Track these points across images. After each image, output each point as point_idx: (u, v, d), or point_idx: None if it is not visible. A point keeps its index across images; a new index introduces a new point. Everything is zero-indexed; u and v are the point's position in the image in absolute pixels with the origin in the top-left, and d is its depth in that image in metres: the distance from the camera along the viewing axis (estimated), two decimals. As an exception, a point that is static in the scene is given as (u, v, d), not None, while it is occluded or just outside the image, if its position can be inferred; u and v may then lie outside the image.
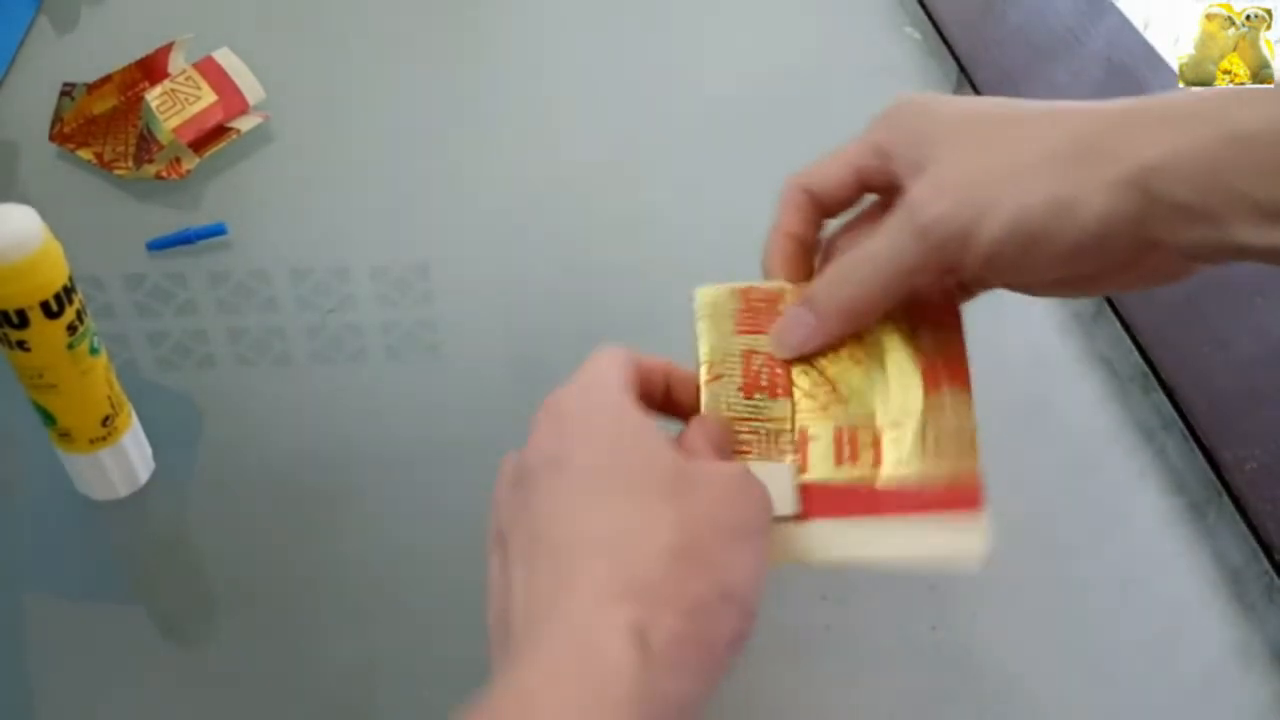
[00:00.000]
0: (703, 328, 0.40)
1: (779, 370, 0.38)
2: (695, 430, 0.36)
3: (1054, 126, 0.35)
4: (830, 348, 0.38)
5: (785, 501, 0.36)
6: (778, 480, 0.36)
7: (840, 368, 0.38)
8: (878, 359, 0.38)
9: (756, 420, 0.37)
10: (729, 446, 0.37)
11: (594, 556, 0.31)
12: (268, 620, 0.48)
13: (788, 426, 0.37)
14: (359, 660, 0.46)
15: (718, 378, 0.38)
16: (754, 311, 0.40)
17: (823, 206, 0.42)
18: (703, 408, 0.38)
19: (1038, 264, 0.35)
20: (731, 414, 0.37)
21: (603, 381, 0.37)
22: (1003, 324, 0.65)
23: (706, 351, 0.39)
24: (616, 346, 0.38)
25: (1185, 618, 0.50)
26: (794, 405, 0.38)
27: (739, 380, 0.38)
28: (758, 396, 0.38)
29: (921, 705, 0.46)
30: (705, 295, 0.41)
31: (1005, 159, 0.35)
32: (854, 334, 0.38)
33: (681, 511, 0.32)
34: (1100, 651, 0.48)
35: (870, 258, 0.37)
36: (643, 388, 0.38)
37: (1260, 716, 0.47)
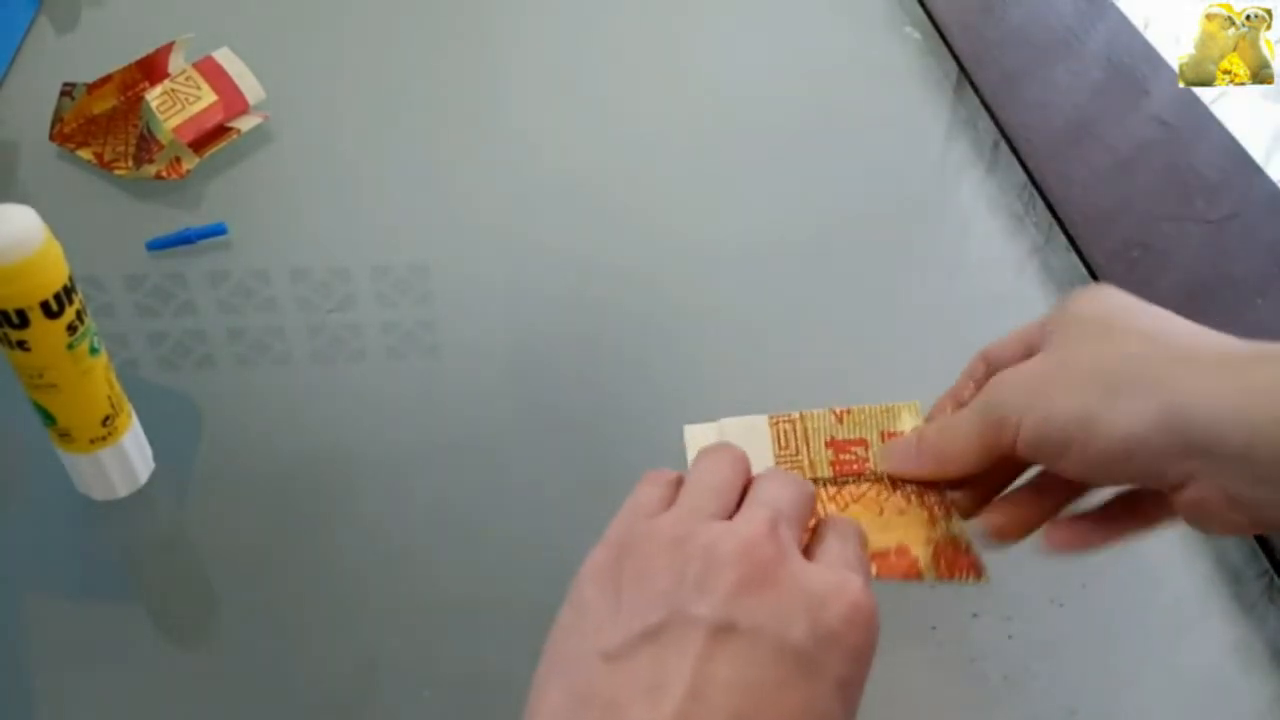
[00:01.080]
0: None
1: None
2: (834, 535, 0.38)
3: (1117, 346, 0.38)
4: (889, 487, 0.44)
5: None
6: None
7: (862, 508, 0.43)
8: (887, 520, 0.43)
9: None
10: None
11: None
12: (267, 620, 0.48)
13: None
14: (359, 660, 0.46)
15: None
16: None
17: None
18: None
19: (1076, 466, 0.38)
20: None
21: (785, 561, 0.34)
22: (1005, 326, 0.65)
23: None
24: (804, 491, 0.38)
25: (1185, 618, 0.50)
26: None
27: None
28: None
29: (922, 705, 0.46)
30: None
31: (1067, 365, 0.38)
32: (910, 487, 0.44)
33: (846, 709, 0.33)
34: (1100, 651, 0.48)
35: (957, 422, 0.42)
36: None
37: (1260, 716, 0.47)
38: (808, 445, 0.45)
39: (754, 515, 0.35)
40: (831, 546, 0.36)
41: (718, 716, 0.30)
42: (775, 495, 0.36)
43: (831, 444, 0.44)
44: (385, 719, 0.45)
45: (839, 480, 0.43)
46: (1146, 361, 0.37)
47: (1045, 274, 0.68)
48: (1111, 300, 0.41)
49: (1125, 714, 0.47)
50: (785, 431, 0.45)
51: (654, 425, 0.56)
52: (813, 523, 0.38)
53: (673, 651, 0.31)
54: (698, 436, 0.44)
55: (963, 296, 0.67)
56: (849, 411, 0.45)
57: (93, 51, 0.76)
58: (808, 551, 0.36)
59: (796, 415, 0.45)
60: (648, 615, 0.32)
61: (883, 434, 0.45)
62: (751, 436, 0.44)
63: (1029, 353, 0.41)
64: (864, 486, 0.43)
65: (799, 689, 0.31)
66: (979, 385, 0.43)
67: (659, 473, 0.39)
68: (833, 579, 0.33)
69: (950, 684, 0.47)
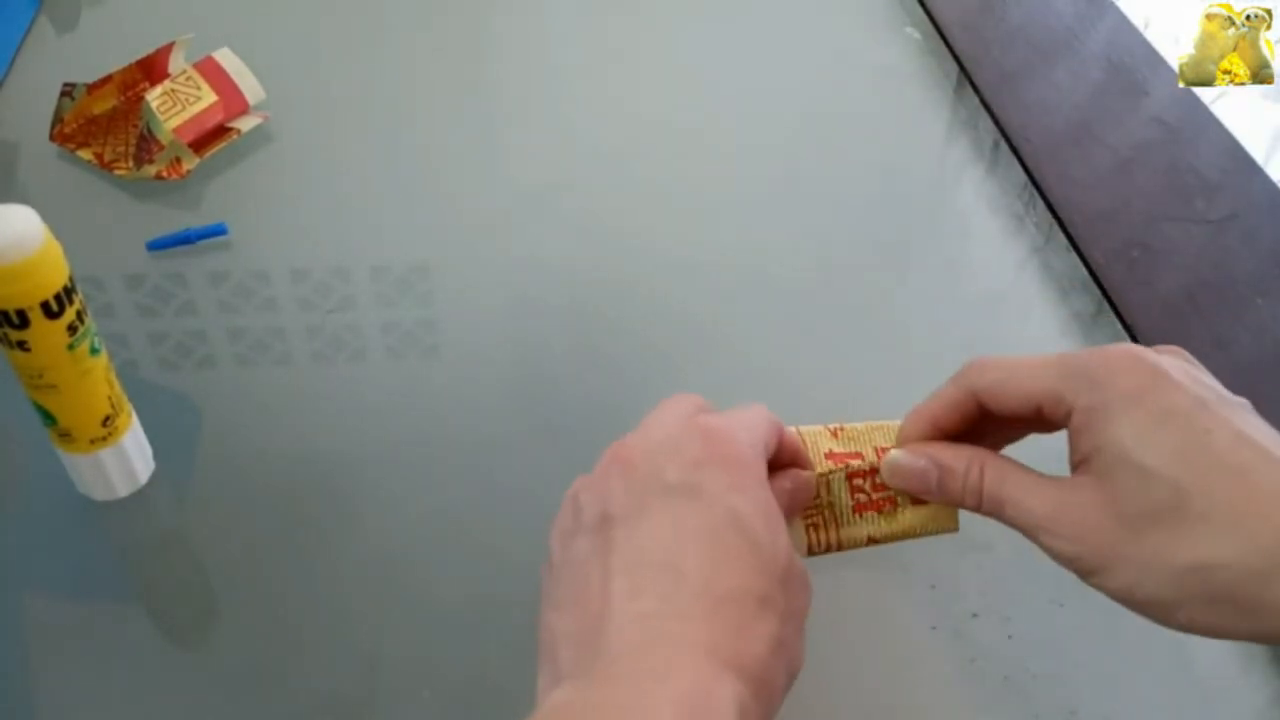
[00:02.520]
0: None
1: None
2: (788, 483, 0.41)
3: (1193, 541, 0.34)
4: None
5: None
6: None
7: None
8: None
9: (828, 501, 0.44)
10: (800, 507, 0.42)
11: (714, 615, 0.32)
12: (267, 620, 0.48)
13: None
14: (359, 660, 0.46)
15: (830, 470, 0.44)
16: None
17: None
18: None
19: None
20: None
21: (753, 438, 0.39)
22: (1004, 326, 0.65)
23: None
24: (766, 412, 0.41)
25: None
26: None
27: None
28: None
29: (922, 705, 0.46)
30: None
31: (1122, 547, 0.35)
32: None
33: (787, 602, 0.35)
34: (1100, 651, 0.48)
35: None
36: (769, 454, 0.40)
37: (1260, 716, 0.47)
38: (808, 456, 0.45)
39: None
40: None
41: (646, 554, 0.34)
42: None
43: (830, 456, 0.44)
44: (385, 718, 0.45)
45: (856, 471, 0.44)
46: (1231, 581, 0.33)
47: (1045, 274, 0.68)
48: (1175, 416, 0.35)
49: (1125, 714, 0.47)
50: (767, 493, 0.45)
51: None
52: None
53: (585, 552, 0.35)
54: None
55: (963, 296, 0.67)
56: (843, 428, 0.46)
57: (93, 51, 0.76)
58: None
59: (794, 430, 0.46)
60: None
61: (877, 450, 0.45)
62: None
63: (1034, 409, 0.38)
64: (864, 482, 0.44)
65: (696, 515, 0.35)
66: (965, 420, 0.41)
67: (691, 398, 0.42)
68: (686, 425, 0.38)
69: (950, 684, 0.47)
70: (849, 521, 0.43)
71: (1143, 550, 0.34)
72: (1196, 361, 0.38)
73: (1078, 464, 0.37)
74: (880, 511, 0.43)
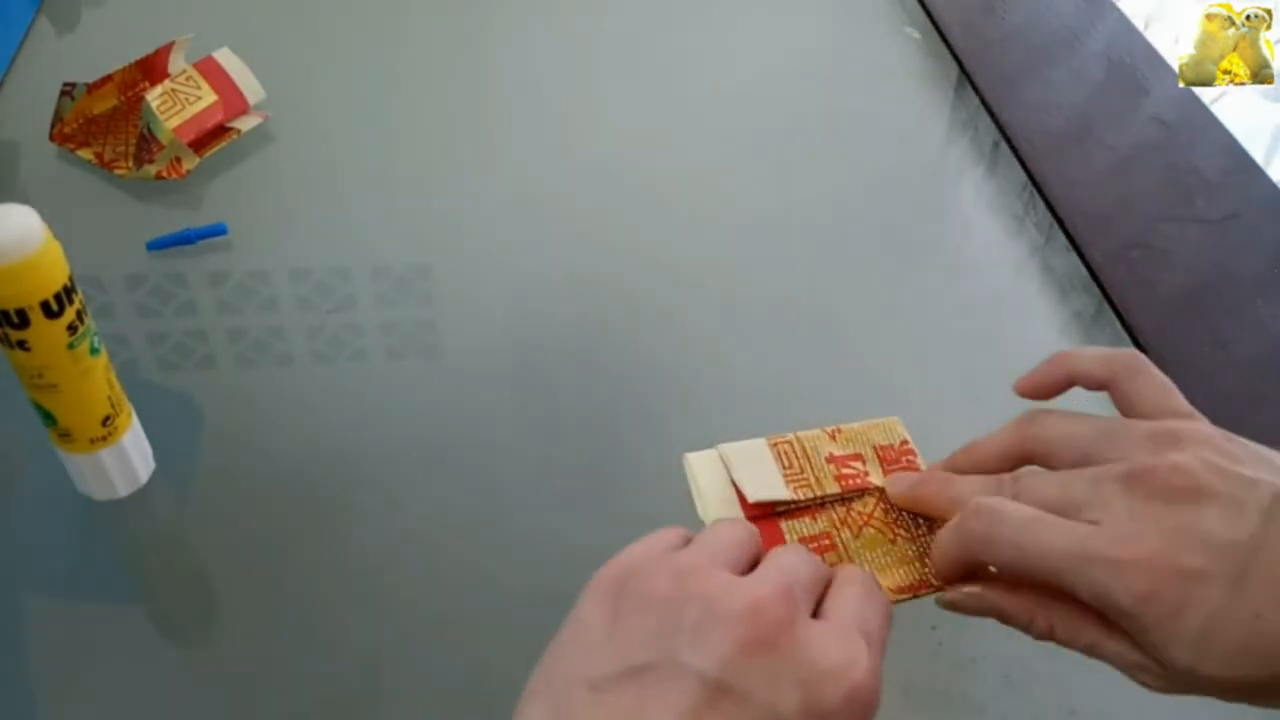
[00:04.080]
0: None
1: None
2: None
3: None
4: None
5: None
6: None
7: (876, 531, 0.44)
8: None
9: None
10: None
11: None
12: (268, 620, 0.48)
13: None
14: (358, 659, 0.46)
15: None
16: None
17: None
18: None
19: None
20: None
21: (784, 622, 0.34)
22: (1004, 326, 0.65)
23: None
24: (743, 529, 0.37)
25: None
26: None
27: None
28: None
29: (922, 705, 0.46)
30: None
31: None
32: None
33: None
34: (1100, 651, 0.48)
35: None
36: None
37: (1260, 716, 0.47)
38: (810, 463, 0.45)
39: (767, 576, 0.34)
40: (847, 606, 0.34)
41: None
42: (792, 564, 0.35)
43: (831, 460, 0.44)
44: (385, 719, 0.45)
45: (846, 497, 0.44)
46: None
47: (1045, 274, 0.68)
48: (1221, 620, 0.34)
49: (1125, 714, 0.47)
50: (785, 452, 0.45)
51: (654, 423, 0.56)
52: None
53: (657, 696, 0.31)
54: (699, 464, 0.44)
55: (963, 296, 0.67)
56: (840, 430, 0.46)
57: (93, 51, 0.76)
58: (820, 607, 0.35)
59: (792, 436, 0.46)
60: (639, 652, 0.32)
61: (875, 448, 0.45)
62: (754, 459, 0.44)
63: (1084, 461, 0.37)
64: (870, 504, 0.44)
65: None
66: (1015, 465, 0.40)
67: (680, 529, 0.38)
68: (838, 655, 0.32)
69: (950, 684, 0.47)
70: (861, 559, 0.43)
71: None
72: (1214, 436, 0.37)
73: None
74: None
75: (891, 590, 0.41)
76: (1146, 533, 0.35)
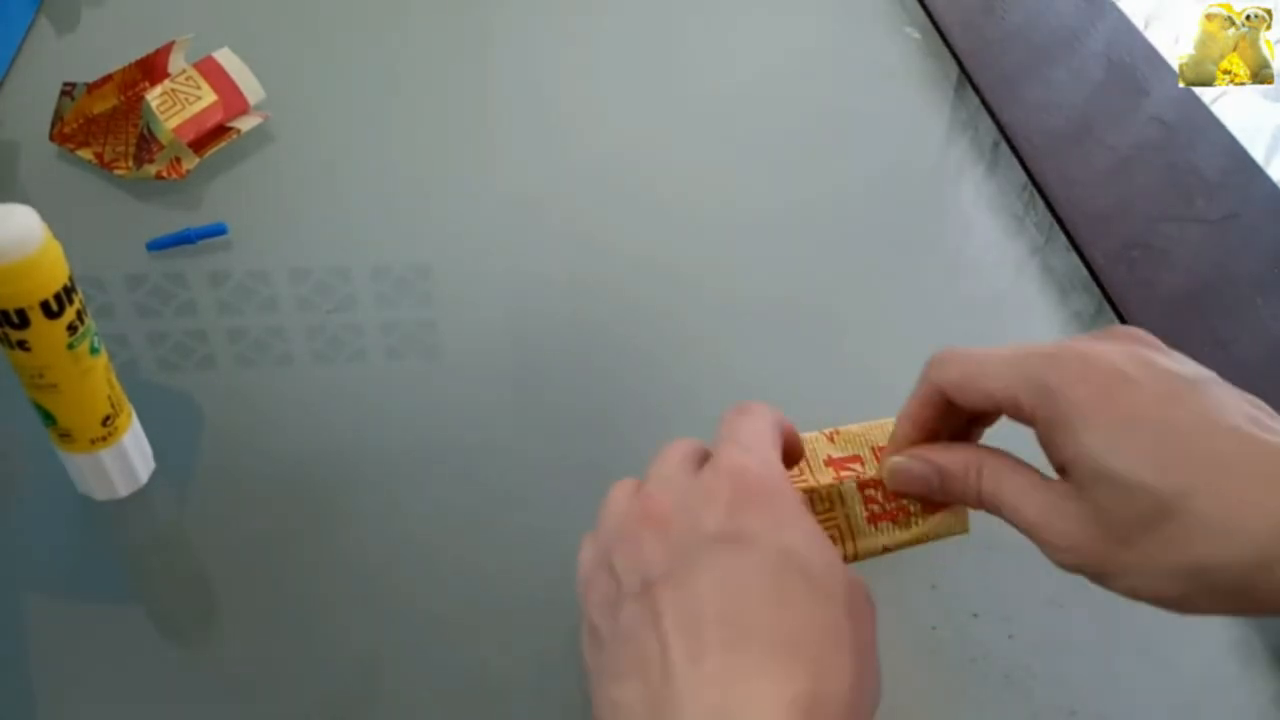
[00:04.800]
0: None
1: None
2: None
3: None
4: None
5: None
6: None
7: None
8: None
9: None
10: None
11: (788, 665, 0.31)
12: (268, 620, 0.48)
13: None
14: (359, 660, 0.46)
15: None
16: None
17: None
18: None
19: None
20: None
21: (770, 456, 0.38)
22: (1004, 326, 0.65)
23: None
24: (765, 406, 0.40)
25: (1185, 616, 0.50)
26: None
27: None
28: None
29: (922, 705, 0.46)
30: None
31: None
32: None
33: (855, 633, 0.33)
34: (1100, 651, 0.48)
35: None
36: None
37: (1260, 716, 0.47)
38: (809, 465, 0.45)
39: (650, 483, 0.38)
40: (734, 434, 0.38)
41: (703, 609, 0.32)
42: (672, 475, 0.38)
43: (830, 462, 0.44)
44: (385, 719, 0.45)
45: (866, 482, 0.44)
46: (1231, 578, 0.32)
47: (1045, 274, 0.68)
48: (1140, 420, 0.34)
49: (1125, 714, 0.47)
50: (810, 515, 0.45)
51: (654, 423, 0.56)
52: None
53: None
54: None
55: (963, 296, 0.67)
56: (838, 432, 0.46)
57: (93, 51, 0.76)
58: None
59: None
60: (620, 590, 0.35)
61: (873, 449, 0.45)
62: None
63: (995, 408, 0.38)
64: (879, 497, 0.44)
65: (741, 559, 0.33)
66: (941, 415, 0.40)
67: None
68: (727, 462, 0.36)
69: (950, 684, 0.47)
70: (865, 533, 0.43)
71: (1138, 557, 0.33)
72: (1150, 338, 0.37)
73: (1057, 469, 0.36)
74: (895, 521, 0.43)
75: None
76: (1089, 343, 0.36)
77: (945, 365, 0.39)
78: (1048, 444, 0.36)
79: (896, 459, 0.41)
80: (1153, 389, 0.34)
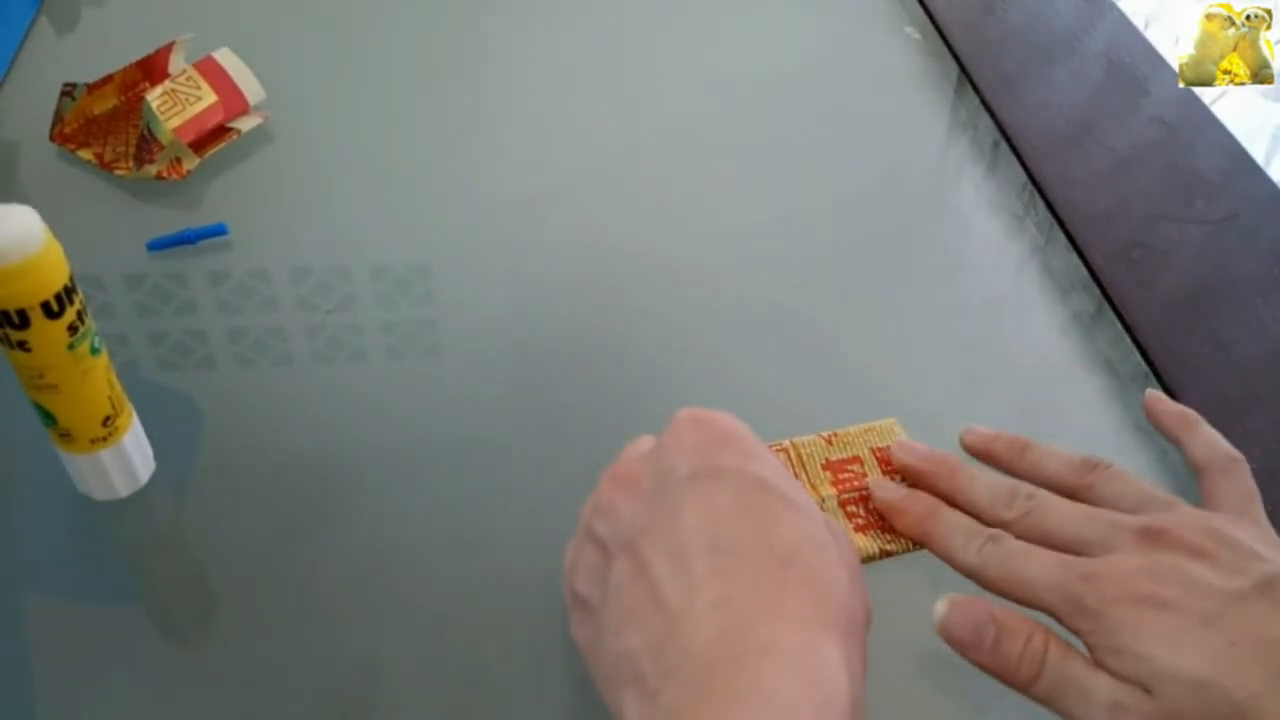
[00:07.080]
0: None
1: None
2: None
3: None
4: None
5: None
6: None
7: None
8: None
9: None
10: None
11: (784, 579, 0.32)
12: (268, 620, 0.48)
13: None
14: (359, 660, 0.46)
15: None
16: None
17: None
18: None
19: None
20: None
21: (738, 424, 0.38)
22: (1004, 326, 0.65)
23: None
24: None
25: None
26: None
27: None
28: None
29: (922, 705, 0.46)
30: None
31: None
32: None
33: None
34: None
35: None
36: None
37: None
38: (805, 470, 0.45)
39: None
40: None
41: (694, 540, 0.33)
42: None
43: (828, 466, 0.45)
44: (385, 719, 0.45)
45: (849, 499, 0.44)
46: None
47: (1045, 274, 0.68)
48: (1200, 627, 0.35)
49: (1125, 714, 0.47)
50: (781, 459, 0.45)
51: (653, 423, 0.56)
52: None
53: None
54: None
55: (962, 296, 0.67)
56: (836, 435, 0.46)
57: (93, 51, 0.76)
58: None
59: (788, 442, 0.46)
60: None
61: (873, 450, 0.45)
62: None
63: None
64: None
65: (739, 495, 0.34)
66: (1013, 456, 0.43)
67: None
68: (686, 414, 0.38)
69: (950, 684, 0.47)
70: (853, 542, 0.43)
71: None
72: (1194, 539, 0.37)
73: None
74: (882, 529, 0.44)
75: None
76: (1134, 561, 0.36)
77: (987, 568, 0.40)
78: (1100, 661, 0.37)
79: (949, 605, 0.41)
80: (1196, 610, 0.35)
